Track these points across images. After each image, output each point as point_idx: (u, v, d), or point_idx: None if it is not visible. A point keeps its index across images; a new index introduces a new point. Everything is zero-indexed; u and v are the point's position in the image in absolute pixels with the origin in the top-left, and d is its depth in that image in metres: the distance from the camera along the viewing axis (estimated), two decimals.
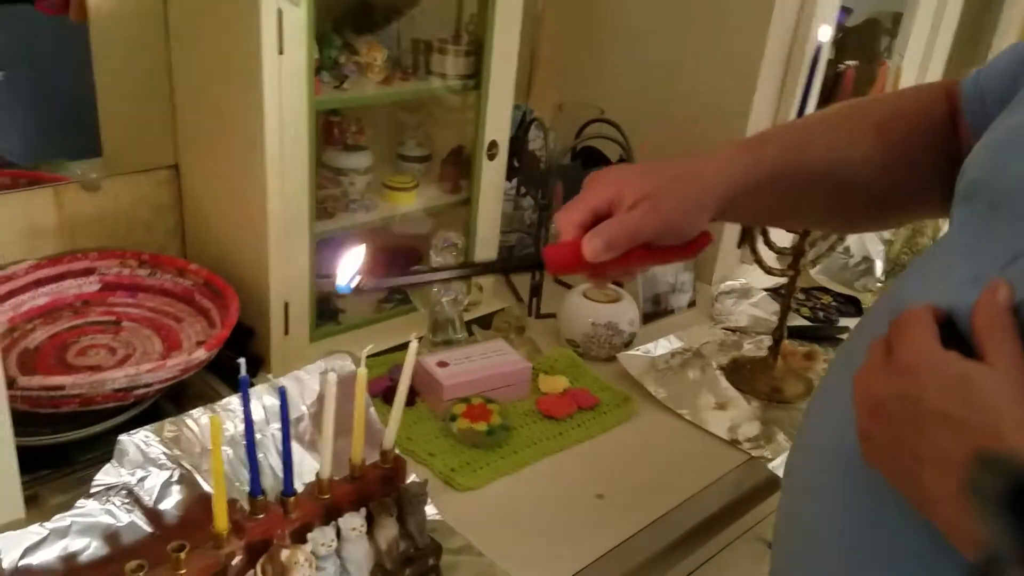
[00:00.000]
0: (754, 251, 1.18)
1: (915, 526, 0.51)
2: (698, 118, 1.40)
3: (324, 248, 1.08)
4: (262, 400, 0.87)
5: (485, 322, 1.23)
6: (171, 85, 1.11)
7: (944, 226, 0.75)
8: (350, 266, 0.65)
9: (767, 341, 1.25)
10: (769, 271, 1.19)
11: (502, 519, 0.91)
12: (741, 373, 1.22)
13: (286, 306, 1.06)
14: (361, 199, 1.16)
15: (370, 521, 0.77)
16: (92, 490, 0.76)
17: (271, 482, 0.83)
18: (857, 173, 0.73)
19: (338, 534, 0.74)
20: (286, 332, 1.07)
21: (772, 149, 0.73)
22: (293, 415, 0.88)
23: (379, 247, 1.34)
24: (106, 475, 0.77)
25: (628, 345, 1.23)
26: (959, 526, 0.47)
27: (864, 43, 1.73)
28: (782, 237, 1.18)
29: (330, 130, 1.15)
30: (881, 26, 1.75)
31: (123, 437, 0.79)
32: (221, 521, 0.69)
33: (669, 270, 1.36)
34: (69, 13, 1.01)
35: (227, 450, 0.83)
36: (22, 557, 0.70)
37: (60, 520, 0.73)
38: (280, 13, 0.91)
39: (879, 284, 1.54)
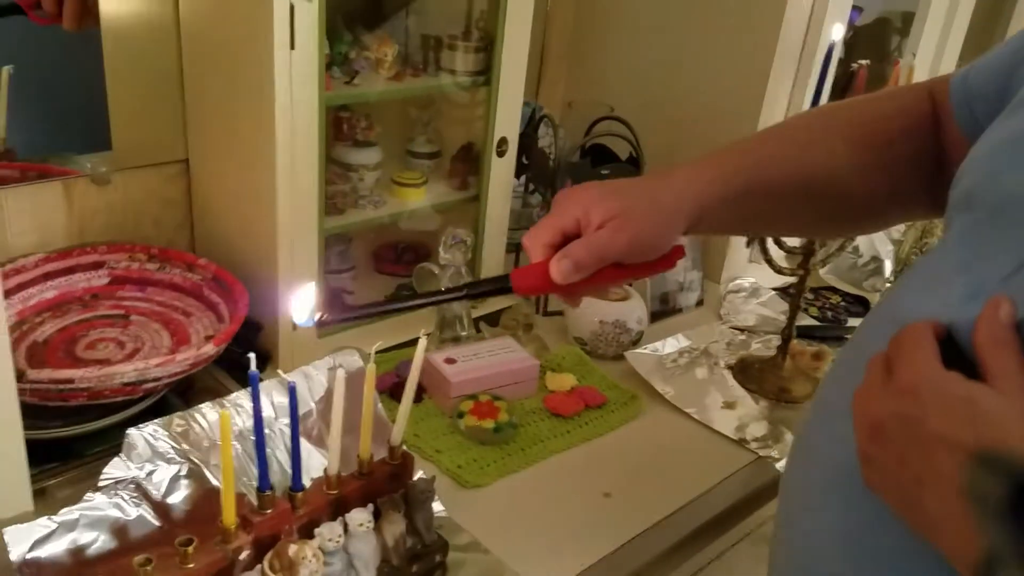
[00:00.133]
0: (764, 250, 1.18)
1: (914, 542, 0.50)
2: (708, 117, 1.40)
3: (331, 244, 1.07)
4: (270, 395, 0.87)
5: (493, 319, 1.23)
6: (182, 80, 1.11)
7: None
8: (304, 302, 0.65)
9: (775, 340, 1.24)
10: (778, 270, 1.19)
11: (509, 516, 0.91)
12: (749, 372, 1.21)
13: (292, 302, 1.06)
14: (370, 195, 1.16)
15: (377, 517, 0.77)
16: (100, 483, 0.76)
17: (279, 477, 0.83)
18: (833, 180, 0.72)
19: (345, 530, 0.74)
20: (294, 327, 1.07)
21: (743, 160, 0.71)
22: (301, 411, 0.88)
23: (388, 243, 1.34)
24: (114, 469, 0.77)
25: (636, 343, 1.23)
26: (961, 550, 0.45)
27: (875, 42, 1.72)
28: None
29: (340, 126, 1.15)
30: (892, 25, 1.74)
31: (132, 431, 0.79)
32: (229, 516, 0.69)
33: (678, 269, 1.36)
34: (63, 22, 1.00)
35: (235, 445, 0.83)
36: (30, 550, 0.70)
37: (68, 513, 0.73)
38: (292, 8, 0.91)
39: (888, 284, 1.53)
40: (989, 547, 0.42)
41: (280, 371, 0.92)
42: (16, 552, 0.69)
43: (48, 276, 1.05)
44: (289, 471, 0.74)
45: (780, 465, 1.04)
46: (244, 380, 0.79)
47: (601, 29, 1.55)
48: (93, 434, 0.90)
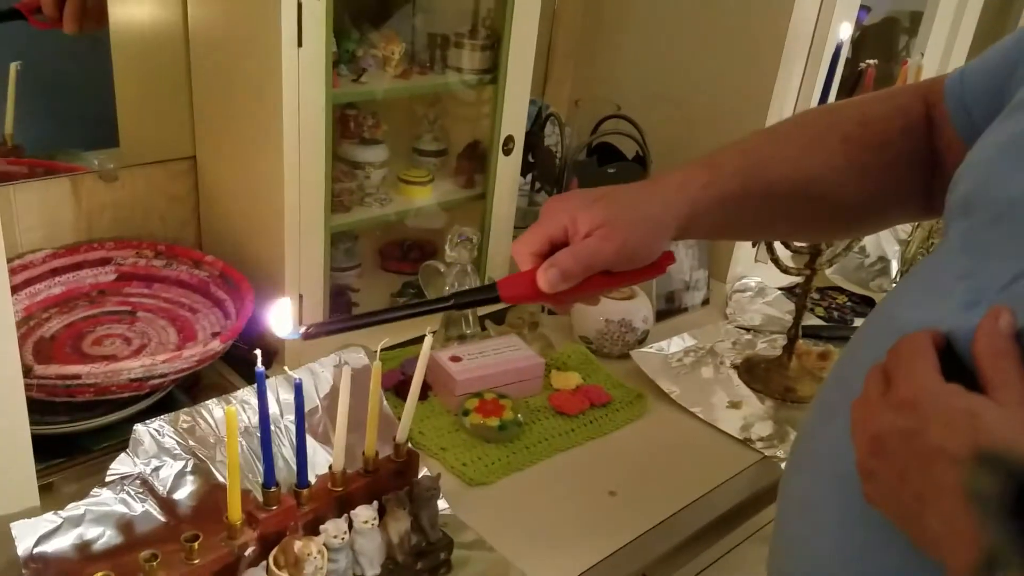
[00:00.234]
0: (770, 250, 1.18)
1: (917, 557, 0.49)
2: (715, 115, 1.40)
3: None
4: (276, 392, 0.87)
5: (498, 317, 1.23)
6: (189, 77, 1.11)
7: None
8: (283, 316, 0.65)
9: (781, 340, 1.24)
10: (785, 270, 1.19)
11: (513, 514, 0.91)
12: (755, 372, 1.21)
13: (300, 298, 1.06)
14: (376, 193, 1.16)
15: (382, 514, 0.77)
16: (107, 479, 0.77)
17: (284, 474, 0.83)
18: (825, 184, 0.71)
19: (350, 526, 0.75)
20: (300, 324, 1.07)
21: (733, 164, 0.71)
22: (307, 407, 0.88)
23: (394, 241, 1.34)
24: (121, 464, 0.78)
25: (641, 342, 1.23)
26: (963, 566, 0.44)
27: (883, 42, 1.72)
28: None
29: (346, 123, 1.15)
30: (900, 24, 1.73)
31: (139, 427, 0.79)
32: (235, 512, 0.69)
33: (684, 268, 1.36)
34: (63, 26, 1.01)
35: (241, 442, 0.83)
36: (36, 544, 0.70)
37: (74, 508, 0.73)
38: (300, 6, 0.91)
39: (894, 285, 1.53)
40: (989, 546, 0.42)
41: (286, 368, 0.92)
42: (22, 546, 0.69)
43: (55, 272, 1.05)
44: (294, 468, 0.74)
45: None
46: (250, 377, 0.79)
47: (608, 28, 1.55)
48: (99, 430, 0.91)
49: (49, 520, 0.71)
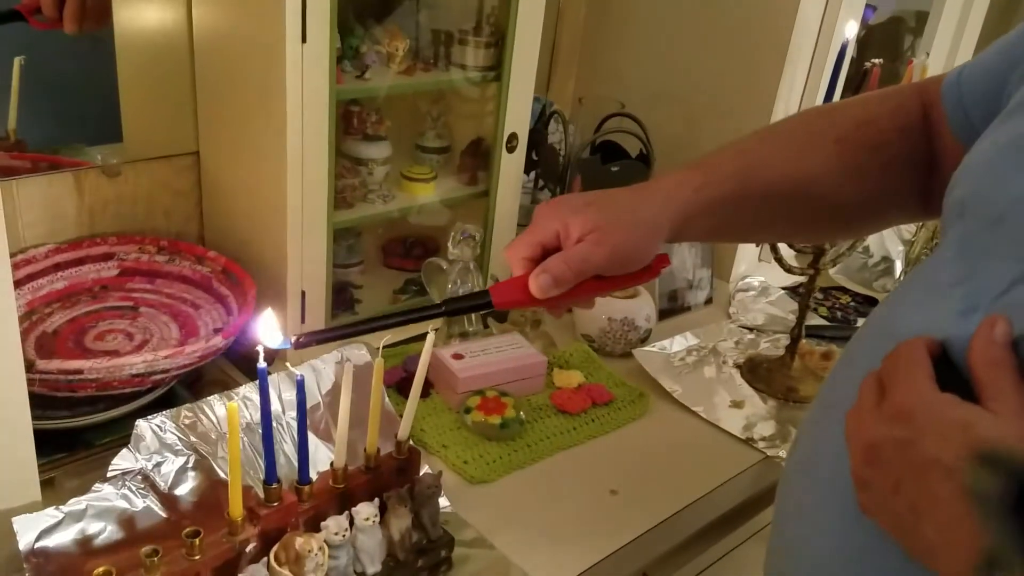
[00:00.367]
0: (774, 249, 1.17)
1: (913, 567, 0.48)
2: (719, 114, 1.39)
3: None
4: (278, 389, 0.87)
5: (501, 315, 1.23)
6: (193, 72, 1.11)
7: None
8: (271, 327, 0.64)
9: (784, 340, 1.24)
10: (789, 269, 1.19)
11: (515, 512, 0.91)
12: (757, 372, 1.21)
13: (303, 294, 1.06)
14: (379, 189, 1.16)
15: (383, 511, 0.77)
16: (108, 474, 0.77)
17: (285, 471, 0.83)
18: (821, 185, 0.71)
19: (351, 523, 0.75)
20: (303, 320, 1.07)
21: (727, 167, 0.71)
22: (309, 404, 0.88)
23: (396, 238, 1.34)
24: (122, 460, 0.78)
25: (644, 341, 1.23)
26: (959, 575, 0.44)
27: (888, 41, 1.71)
28: None
29: (350, 119, 1.15)
30: (905, 24, 1.73)
31: (140, 422, 0.79)
32: (236, 508, 0.69)
33: (687, 266, 1.36)
34: (63, 27, 1.01)
35: (243, 438, 0.83)
36: (38, 539, 0.70)
37: (76, 504, 0.73)
38: (304, 2, 0.91)
39: (901, 280, 1.52)
40: (990, 546, 0.42)
41: (288, 364, 0.93)
42: (24, 541, 0.69)
43: (58, 267, 1.05)
44: (296, 464, 0.74)
45: None
46: (252, 373, 0.79)
47: (613, 25, 1.54)
48: (101, 425, 0.91)
49: (50, 515, 0.71)
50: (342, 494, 0.76)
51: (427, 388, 1.07)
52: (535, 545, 0.86)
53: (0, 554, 0.72)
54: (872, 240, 1.53)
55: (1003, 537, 0.41)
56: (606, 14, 1.55)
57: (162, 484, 0.78)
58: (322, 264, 1.06)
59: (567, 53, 1.60)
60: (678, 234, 0.70)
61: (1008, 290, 0.49)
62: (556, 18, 1.55)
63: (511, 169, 1.21)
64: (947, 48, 1.63)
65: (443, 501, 0.86)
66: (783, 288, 1.44)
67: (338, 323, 1.13)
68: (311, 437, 0.86)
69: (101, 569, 0.63)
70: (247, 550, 0.70)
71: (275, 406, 0.86)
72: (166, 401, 0.94)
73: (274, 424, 0.84)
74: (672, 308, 1.35)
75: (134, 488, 0.77)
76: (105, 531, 0.74)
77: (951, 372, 0.49)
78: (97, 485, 0.76)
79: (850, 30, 1.22)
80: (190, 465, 0.80)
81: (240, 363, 1.04)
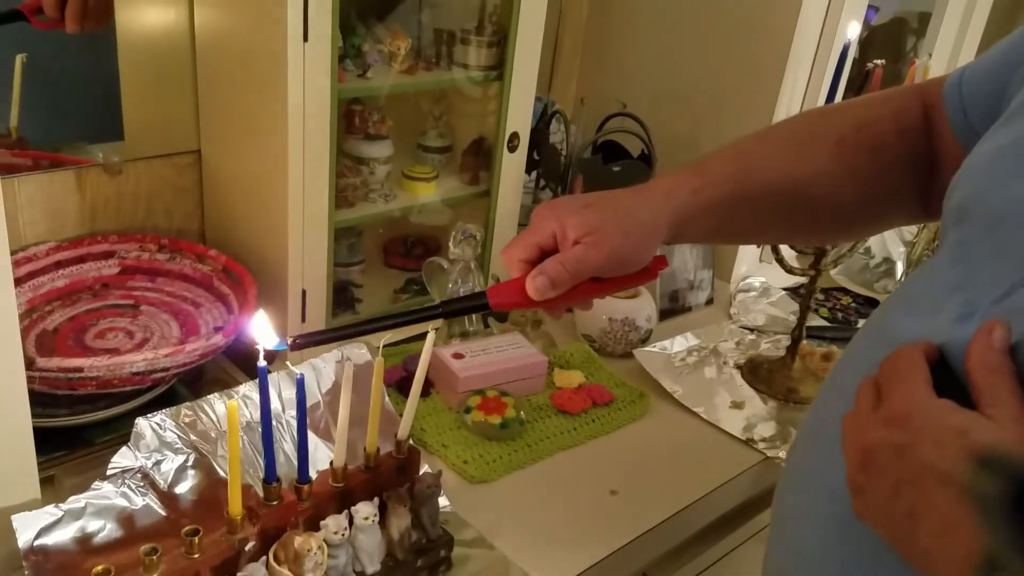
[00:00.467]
0: (775, 250, 1.17)
1: (907, 565, 0.48)
2: (721, 114, 1.39)
3: None
4: (278, 388, 0.87)
5: (501, 315, 1.23)
6: (195, 70, 1.11)
7: None
8: (264, 329, 0.64)
9: (785, 341, 1.24)
10: (790, 270, 1.18)
11: (514, 512, 0.91)
12: (758, 372, 1.21)
13: (304, 293, 1.06)
14: (381, 188, 1.16)
15: (383, 511, 0.77)
16: (108, 472, 0.77)
17: (285, 469, 0.83)
18: (819, 188, 0.71)
19: (351, 523, 0.74)
20: (303, 319, 1.07)
21: (724, 169, 0.71)
22: (309, 403, 0.88)
23: (397, 237, 1.34)
24: (122, 458, 0.78)
25: (645, 341, 1.23)
26: None
27: (891, 42, 1.71)
28: None
29: (352, 119, 1.15)
30: (908, 25, 1.73)
31: (140, 420, 0.79)
32: (235, 506, 0.69)
33: (688, 267, 1.36)
34: (65, 26, 1.01)
35: (242, 437, 0.83)
36: (37, 537, 0.70)
37: (75, 501, 0.73)
38: (306, 0, 0.91)
39: (900, 284, 1.52)
40: (989, 546, 0.42)
41: (288, 363, 0.92)
42: (23, 539, 0.69)
43: (59, 265, 1.05)
44: (296, 463, 0.74)
45: None
46: (253, 371, 0.79)
47: (615, 25, 1.54)
48: (101, 423, 0.91)
49: (50, 513, 0.71)
50: (341, 493, 0.76)
51: (427, 387, 1.07)
52: (535, 545, 0.86)
53: (0, 552, 0.73)
54: (873, 241, 1.53)
55: (1003, 539, 0.41)
56: (608, 14, 1.55)
57: (162, 482, 0.78)
58: (323, 263, 1.06)
59: (569, 53, 1.60)
60: (676, 236, 0.70)
61: (1006, 295, 0.49)
62: (558, 18, 1.55)
63: (512, 169, 1.21)
64: (949, 49, 1.63)
65: (443, 501, 0.86)
66: (784, 289, 1.44)
67: (338, 322, 1.13)
68: (311, 436, 0.86)
69: (100, 567, 0.63)
70: (246, 549, 0.70)
71: (275, 405, 0.86)
72: (166, 399, 0.94)
73: (274, 423, 0.84)
74: (673, 308, 1.35)
75: (134, 486, 0.77)
76: (104, 529, 0.74)
77: (949, 377, 0.49)
78: (97, 483, 0.76)
79: (852, 31, 1.22)
80: (190, 463, 0.80)
81: (240, 362, 1.04)
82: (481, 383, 1.05)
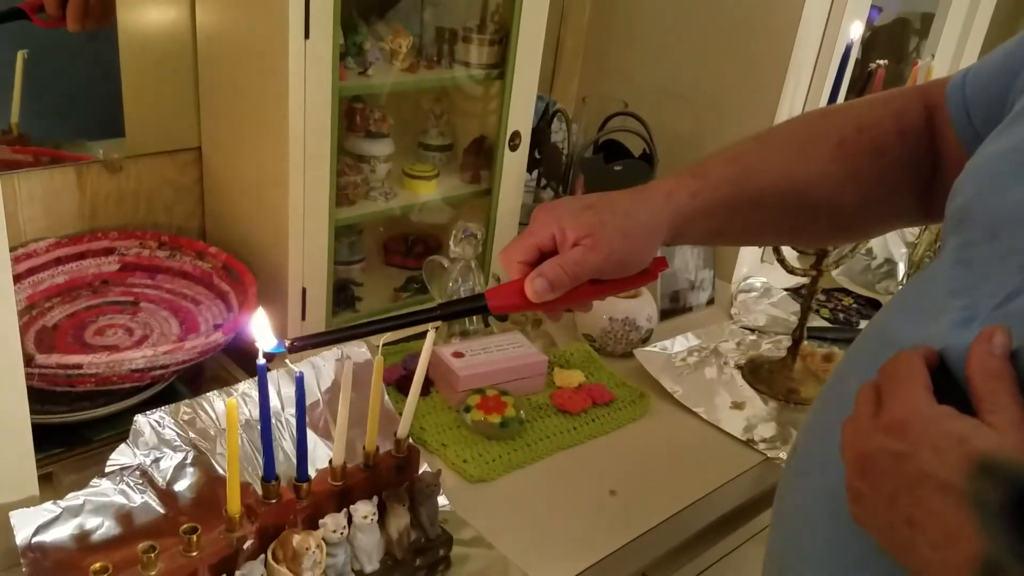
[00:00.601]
0: (776, 250, 1.17)
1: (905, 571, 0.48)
2: (724, 114, 1.39)
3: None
4: (278, 386, 0.87)
5: (501, 314, 1.23)
6: (196, 68, 1.11)
7: None
8: (263, 328, 0.64)
9: (786, 341, 1.23)
10: (791, 271, 1.18)
11: (514, 512, 0.91)
12: (759, 373, 1.21)
13: (304, 291, 1.06)
14: (381, 187, 1.16)
15: (382, 510, 0.77)
16: (106, 470, 0.76)
17: (284, 468, 0.83)
18: (819, 189, 0.70)
19: (350, 521, 0.74)
20: (303, 318, 1.07)
21: (723, 172, 0.70)
22: (308, 401, 0.88)
23: (398, 235, 1.34)
24: (121, 455, 0.78)
25: (645, 341, 1.23)
26: None
27: (893, 42, 1.71)
28: None
29: (353, 116, 1.15)
30: (911, 26, 1.73)
31: (139, 418, 0.79)
32: (234, 504, 0.69)
33: (689, 267, 1.35)
34: (66, 25, 1.01)
35: (241, 434, 0.83)
36: (35, 534, 0.70)
37: (73, 499, 0.73)
38: None
39: (900, 288, 1.52)
40: (988, 552, 0.41)
41: (288, 361, 0.92)
42: (21, 536, 0.69)
43: (59, 261, 1.05)
44: (295, 461, 0.74)
45: None
46: (252, 369, 0.79)
47: (617, 25, 1.54)
48: (100, 420, 0.90)
49: (48, 510, 0.71)
50: (340, 492, 0.76)
51: (427, 386, 1.07)
52: (534, 545, 0.86)
53: None
54: (875, 242, 1.53)
55: (1002, 545, 0.41)
56: (610, 13, 1.55)
57: (160, 480, 0.78)
58: (323, 261, 1.06)
59: (571, 52, 1.59)
60: (675, 238, 0.70)
61: (1007, 300, 0.49)
62: (560, 17, 1.55)
63: (514, 168, 1.21)
64: (952, 50, 1.62)
65: (442, 500, 0.86)
66: (785, 289, 1.43)
67: (338, 320, 1.13)
68: (310, 434, 0.86)
69: (98, 565, 0.63)
70: (245, 547, 0.70)
71: (274, 403, 0.86)
72: (165, 397, 0.94)
73: (273, 421, 0.84)
74: (674, 308, 1.35)
75: (132, 484, 0.77)
76: (103, 526, 0.74)
77: (949, 383, 0.49)
78: (95, 480, 0.76)
79: (855, 31, 1.21)
80: (188, 461, 0.80)
81: (240, 359, 1.04)
82: (481, 382, 1.05)
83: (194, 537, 0.66)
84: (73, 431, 0.89)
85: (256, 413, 0.83)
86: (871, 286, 1.53)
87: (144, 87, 1.11)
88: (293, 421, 0.85)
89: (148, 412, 0.80)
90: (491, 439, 1.00)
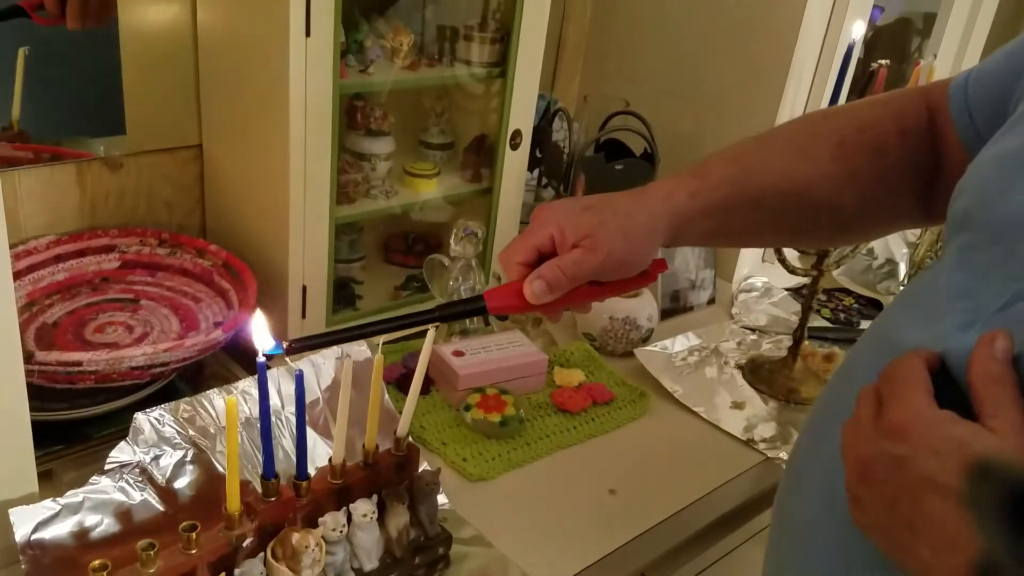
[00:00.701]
0: (777, 250, 1.17)
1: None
2: (725, 113, 1.39)
3: None
4: (278, 384, 0.87)
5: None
6: (196, 65, 1.11)
7: None
8: (262, 330, 0.64)
9: (786, 341, 1.23)
10: (792, 271, 1.18)
11: (513, 511, 0.91)
12: (759, 373, 1.21)
13: (304, 289, 1.06)
14: (382, 185, 1.16)
15: (381, 508, 0.77)
16: (106, 467, 0.76)
17: (284, 466, 0.83)
18: (819, 191, 0.70)
19: (349, 520, 0.74)
20: (303, 316, 1.07)
21: (722, 173, 0.70)
22: (308, 399, 0.88)
23: (398, 234, 1.34)
24: (120, 452, 0.78)
25: (646, 341, 1.22)
26: None
27: (896, 42, 1.70)
28: None
29: (353, 114, 1.15)
30: (913, 25, 1.72)
31: (139, 415, 0.79)
32: (234, 502, 0.69)
33: (690, 267, 1.35)
34: (66, 23, 1.01)
35: (241, 432, 0.83)
36: (34, 531, 0.70)
37: (73, 496, 0.73)
38: None
39: (902, 288, 1.52)
40: (985, 552, 0.41)
41: (288, 360, 0.92)
42: (20, 533, 0.69)
43: (59, 258, 1.05)
44: (294, 459, 0.74)
45: None
46: (252, 367, 0.79)
47: (618, 23, 1.54)
48: (100, 417, 0.90)
49: (47, 507, 0.71)
50: (340, 490, 0.76)
51: (427, 385, 1.07)
52: (533, 544, 0.86)
53: None
54: (876, 242, 1.53)
55: (999, 546, 0.41)
56: (612, 12, 1.54)
57: (160, 477, 0.78)
58: (323, 259, 1.06)
59: (572, 50, 1.59)
60: (675, 239, 0.69)
61: (1009, 304, 0.49)
62: (562, 15, 1.54)
63: (514, 166, 1.20)
64: (954, 50, 1.62)
65: (442, 498, 0.86)
66: (786, 289, 1.43)
67: (338, 318, 1.13)
68: (310, 432, 0.86)
69: (97, 562, 0.63)
70: (244, 545, 0.70)
71: (274, 401, 0.86)
72: (165, 394, 0.94)
73: (273, 419, 0.84)
74: (674, 308, 1.35)
75: (132, 481, 0.77)
76: (102, 524, 0.74)
77: (950, 386, 0.49)
78: (94, 477, 0.75)
79: (857, 30, 1.21)
80: (188, 459, 0.80)
81: (240, 357, 1.04)
82: (481, 381, 1.05)
83: (193, 535, 0.66)
84: (73, 428, 0.89)
85: (256, 411, 0.83)
86: (872, 286, 1.52)
87: (145, 84, 1.11)
88: (293, 419, 0.85)
89: (148, 410, 0.80)
90: (491, 438, 1.00)
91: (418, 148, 1.26)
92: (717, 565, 1.05)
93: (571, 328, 1.25)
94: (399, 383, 1.05)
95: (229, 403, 0.65)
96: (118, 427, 0.88)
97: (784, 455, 1.05)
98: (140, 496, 0.76)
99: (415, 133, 1.26)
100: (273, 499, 0.72)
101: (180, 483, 0.79)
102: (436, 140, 1.25)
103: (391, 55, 1.08)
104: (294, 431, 0.83)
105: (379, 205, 1.15)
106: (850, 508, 0.51)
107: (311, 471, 0.74)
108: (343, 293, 1.19)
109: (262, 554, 0.70)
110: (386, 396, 0.92)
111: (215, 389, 0.85)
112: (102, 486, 0.75)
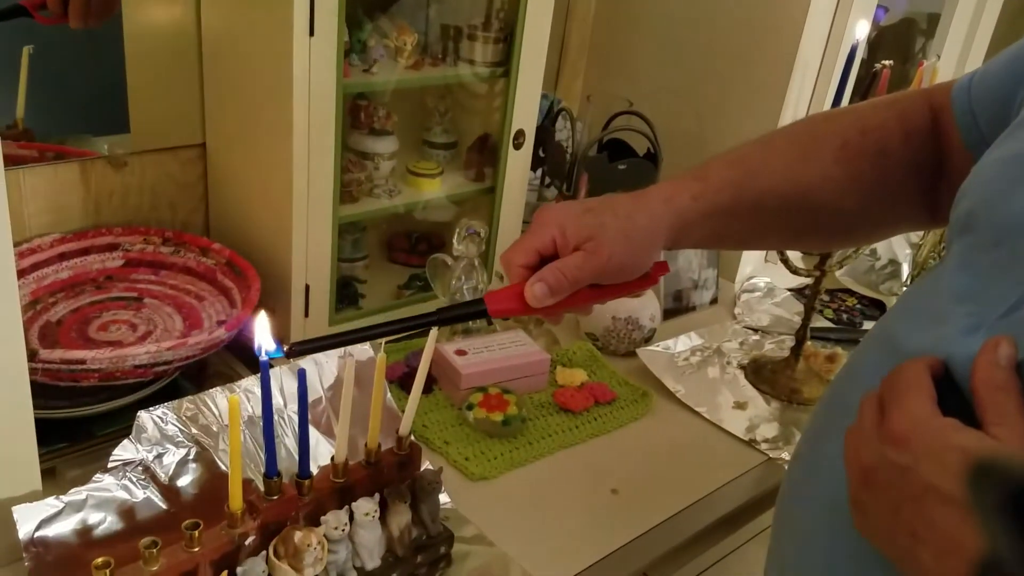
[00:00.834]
0: (780, 250, 1.17)
1: None
2: (728, 113, 1.39)
3: None
4: (280, 382, 0.87)
5: None
6: (200, 64, 1.11)
7: None
8: (264, 332, 0.64)
9: (789, 341, 1.23)
10: (795, 271, 1.18)
11: (515, 510, 0.91)
12: (761, 373, 1.21)
13: (307, 288, 1.06)
14: (385, 184, 1.16)
15: (383, 507, 0.77)
16: (109, 465, 0.77)
17: (286, 464, 0.83)
18: (822, 193, 0.70)
19: (351, 518, 0.74)
20: (306, 314, 1.07)
21: (724, 175, 0.70)
22: (311, 398, 0.88)
23: (401, 233, 1.34)
24: (123, 450, 0.78)
25: (648, 340, 1.22)
26: None
27: (899, 43, 1.70)
28: None
29: (357, 114, 1.15)
30: (917, 26, 1.72)
31: (142, 413, 0.79)
32: (236, 501, 0.69)
33: (693, 266, 1.35)
34: (69, 22, 1.01)
35: (244, 431, 0.83)
36: (37, 529, 0.70)
37: (76, 494, 0.73)
38: None
39: (905, 288, 1.52)
40: (987, 550, 0.41)
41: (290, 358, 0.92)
42: (24, 530, 0.69)
43: (63, 257, 1.05)
44: (297, 458, 0.74)
45: None
46: (255, 366, 0.79)
47: (622, 23, 1.54)
48: (103, 415, 0.91)
49: (51, 504, 0.72)
50: (342, 489, 0.76)
51: (429, 384, 1.07)
52: (535, 543, 0.86)
53: (0, 543, 0.73)
54: (879, 243, 1.53)
55: (1000, 544, 0.41)
56: (615, 12, 1.54)
57: (163, 475, 0.79)
58: (327, 258, 1.06)
59: (576, 50, 1.59)
60: (676, 242, 0.69)
61: (1013, 309, 0.48)
62: (565, 15, 1.54)
63: (518, 166, 1.21)
64: (958, 51, 1.62)
65: (443, 497, 0.86)
66: (789, 289, 1.43)
67: (341, 317, 1.13)
68: (312, 431, 0.86)
69: (100, 560, 0.63)
70: (246, 543, 0.70)
71: (277, 399, 0.86)
72: (168, 393, 0.94)
73: (276, 417, 0.84)
74: (677, 308, 1.35)
75: (135, 479, 0.77)
76: (105, 522, 0.74)
77: (953, 393, 0.48)
78: (98, 475, 0.76)
79: (860, 30, 1.21)
80: (191, 457, 0.80)
81: (243, 356, 1.04)
82: (483, 380, 1.05)
83: (196, 533, 0.66)
84: (76, 426, 0.90)
85: (259, 409, 0.84)
86: (875, 287, 1.52)
87: (149, 83, 1.11)
88: (295, 418, 0.85)
89: (151, 408, 0.80)
90: (493, 437, 1.00)
91: (421, 147, 1.26)
92: (718, 565, 1.05)
93: (573, 328, 1.25)
94: (401, 382, 1.05)
95: (232, 402, 0.65)
96: (121, 425, 0.88)
97: (786, 455, 1.05)
98: (143, 494, 0.77)
99: (418, 132, 1.26)
100: (275, 497, 0.72)
101: (183, 481, 0.79)
102: (439, 139, 1.25)
103: (395, 54, 1.08)
104: (297, 430, 0.83)
105: (382, 204, 1.15)
106: (852, 514, 0.51)
107: (313, 470, 0.75)
108: (346, 292, 1.19)
109: (264, 552, 0.71)
110: (388, 395, 0.92)
111: (218, 387, 0.85)
112: (105, 484, 0.75)
